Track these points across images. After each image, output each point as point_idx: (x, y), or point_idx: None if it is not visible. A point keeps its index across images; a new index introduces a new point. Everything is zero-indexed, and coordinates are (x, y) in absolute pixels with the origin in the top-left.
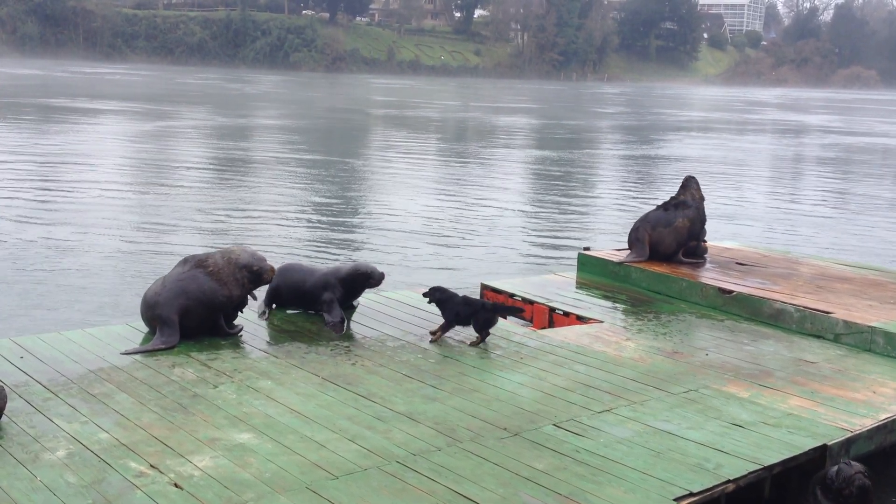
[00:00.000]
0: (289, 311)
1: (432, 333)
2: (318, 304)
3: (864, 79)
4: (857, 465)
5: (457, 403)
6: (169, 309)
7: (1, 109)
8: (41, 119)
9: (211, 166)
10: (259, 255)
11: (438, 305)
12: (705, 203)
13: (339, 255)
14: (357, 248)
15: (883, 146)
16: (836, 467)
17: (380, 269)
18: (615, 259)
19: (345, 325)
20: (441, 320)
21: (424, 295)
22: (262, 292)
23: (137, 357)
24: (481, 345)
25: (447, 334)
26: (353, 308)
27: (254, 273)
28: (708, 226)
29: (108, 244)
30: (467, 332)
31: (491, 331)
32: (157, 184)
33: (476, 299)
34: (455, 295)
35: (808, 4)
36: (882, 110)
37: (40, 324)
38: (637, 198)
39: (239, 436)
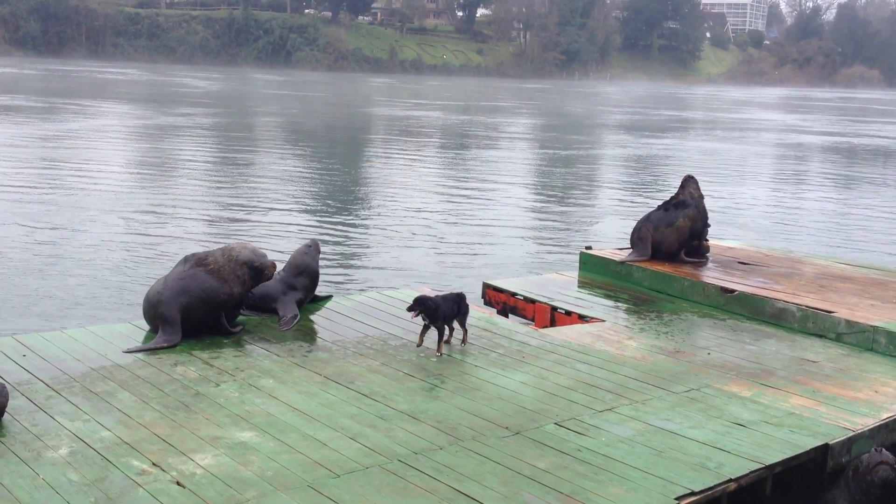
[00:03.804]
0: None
1: (438, 352)
2: (276, 304)
3: (867, 78)
4: (886, 455)
5: (458, 402)
6: (171, 308)
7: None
8: (40, 118)
9: (210, 165)
10: (260, 252)
11: (428, 315)
12: (704, 202)
13: (340, 251)
14: (358, 248)
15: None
16: (868, 452)
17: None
18: (617, 258)
19: (296, 321)
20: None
21: (409, 310)
22: None
23: (140, 355)
24: (482, 343)
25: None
26: (325, 299)
27: (255, 270)
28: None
29: (110, 243)
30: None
31: (494, 330)
32: (158, 183)
33: (448, 294)
34: (436, 299)
35: (810, 4)
36: (870, 110)
37: (43, 322)
38: (638, 197)
39: (241, 434)
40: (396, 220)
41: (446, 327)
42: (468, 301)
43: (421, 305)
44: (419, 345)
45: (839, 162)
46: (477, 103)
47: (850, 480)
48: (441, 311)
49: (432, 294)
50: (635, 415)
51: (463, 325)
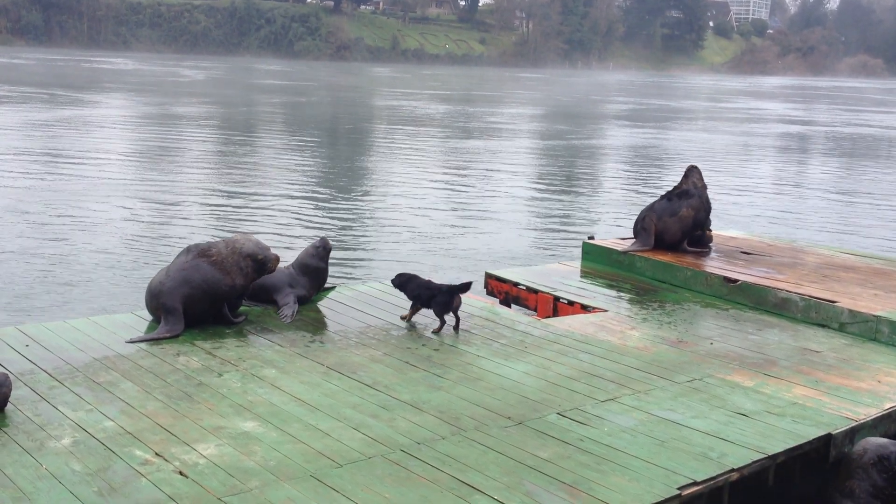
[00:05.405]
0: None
1: (402, 318)
2: (277, 296)
3: (871, 67)
4: None
5: (461, 392)
6: (173, 298)
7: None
8: (39, 109)
9: (212, 155)
10: (263, 245)
11: (401, 289)
12: (707, 191)
13: (342, 241)
14: (360, 238)
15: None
16: (868, 440)
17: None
18: (620, 248)
19: (294, 313)
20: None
21: (391, 282)
22: None
23: (142, 345)
24: (484, 333)
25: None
26: (328, 290)
27: (258, 262)
28: (711, 215)
29: (113, 233)
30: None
31: (496, 320)
32: (161, 173)
33: (436, 283)
34: (417, 277)
35: None
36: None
37: (45, 312)
38: (641, 187)
39: (243, 424)
40: (399, 210)
41: (418, 306)
42: (455, 293)
43: (398, 278)
44: (404, 318)
45: (842, 151)
46: (478, 93)
47: (871, 470)
48: (411, 291)
49: (438, 282)
50: (638, 405)
51: (437, 314)
